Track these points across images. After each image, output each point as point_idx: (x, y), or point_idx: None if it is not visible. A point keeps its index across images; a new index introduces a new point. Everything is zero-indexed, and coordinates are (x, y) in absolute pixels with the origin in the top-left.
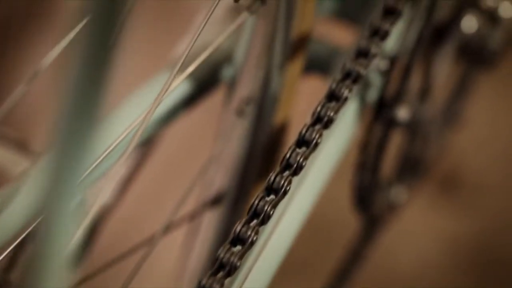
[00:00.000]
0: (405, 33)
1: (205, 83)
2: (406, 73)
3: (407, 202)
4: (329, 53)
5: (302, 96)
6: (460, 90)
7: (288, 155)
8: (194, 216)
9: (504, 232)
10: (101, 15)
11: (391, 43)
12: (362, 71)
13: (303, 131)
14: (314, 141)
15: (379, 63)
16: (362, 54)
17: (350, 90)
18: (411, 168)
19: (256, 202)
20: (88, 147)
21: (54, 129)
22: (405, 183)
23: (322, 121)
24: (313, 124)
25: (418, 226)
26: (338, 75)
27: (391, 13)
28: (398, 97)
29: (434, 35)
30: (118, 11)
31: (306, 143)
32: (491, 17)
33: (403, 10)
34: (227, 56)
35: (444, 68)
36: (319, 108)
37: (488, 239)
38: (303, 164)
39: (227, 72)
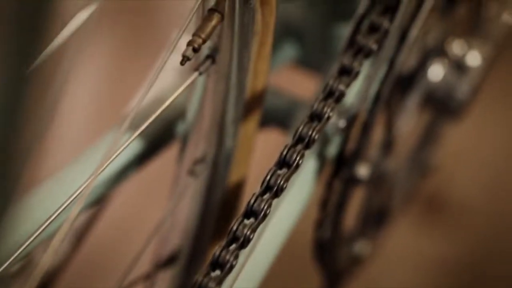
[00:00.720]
0: (364, 89)
1: (157, 140)
2: (366, 130)
3: (373, 253)
4: (289, 106)
5: (261, 150)
6: (428, 138)
7: (234, 228)
8: (148, 277)
9: (489, 255)
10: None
11: (349, 100)
12: (315, 135)
13: (251, 202)
14: (263, 213)
15: (337, 120)
16: (316, 117)
17: (302, 157)
18: (375, 221)
19: (200, 278)
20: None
21: None
22: (369, 236)
23: (272, 191)
24: (262, 193)
25: (402, 249)
26: (290, 140)
27: (347, 73)
28: (358, 154)
29: (400, 83)
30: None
31: (255, 214)
32: (458, 65)
33: (360, 69)
34: (180, 112)
35: (410, 117)
36: (268, 177)
37: (473, 262)
38: (251, 237)
39: (181, 128)
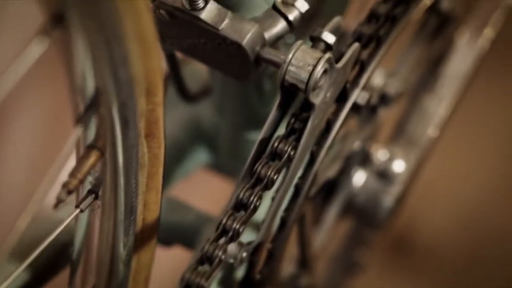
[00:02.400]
0: (269, 216)
1: (46, 267)
2: (272, 257)
3: None
4: (195, 222)
5: (167, 269)
6: (353, 242)
7: None
8: None
9: None
10: None
11: (257, 220)
12: (204, 283)
13: None
14: None
15: (239, 252)
16: (207, 260)
17: None
18: None
19: None
20: None
21: None
22: None
23: None
24: None
25: None
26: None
27: (243, 208)
28: (266, 280)
29: (323, 191)
30: None
31: None
32: (381, 173)
33: (258, 203)
34: (71, 237)
35: (330, 229)
36: None
37: None
38: None
39: (72, 254)
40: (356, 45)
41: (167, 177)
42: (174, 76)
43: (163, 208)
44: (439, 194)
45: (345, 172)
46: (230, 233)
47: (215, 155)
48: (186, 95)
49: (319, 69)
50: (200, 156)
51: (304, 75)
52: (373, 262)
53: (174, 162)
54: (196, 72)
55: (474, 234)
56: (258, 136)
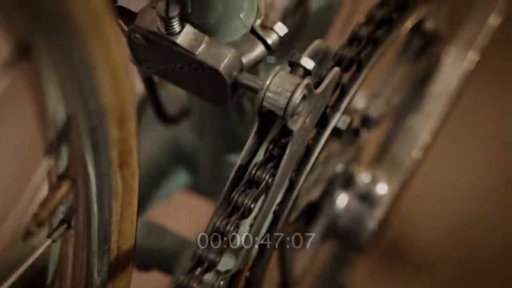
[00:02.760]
0: (247, 244)
1: None
2: (250, 284)
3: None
4: (174, 246)
5: None
6: (336, 263)
7: None
8: None
9: None
10: None
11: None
12: None
13: None
14: None
15: (216, 281)
16: None
17: None
18: None
19: None
20: None
21: None
22: None
23: None
24: None
25: None
26: None
27: (221, 236)
28: None
29: (305, 214)
30: None
31: None
32: (365, 195)
33: (235, 232)
34: (46, 263)
35: (314, 248)
36: None
37: None
38: None
39: (46, 281)
40: (336, 69)
41: (146, 199)
42: (152, 98)
43: (140, 232)
44: (432, 204)
45: (327, 195)
46: (206, 264)
47: (195, 177)
48: (164, 117)
49: (298, 95)
50: (180, 178)
51: (282, 102)
52: (366, 272)
53: (153, 184)
54: (175, 93)
55: (466, 244)
56: (238, 158)
